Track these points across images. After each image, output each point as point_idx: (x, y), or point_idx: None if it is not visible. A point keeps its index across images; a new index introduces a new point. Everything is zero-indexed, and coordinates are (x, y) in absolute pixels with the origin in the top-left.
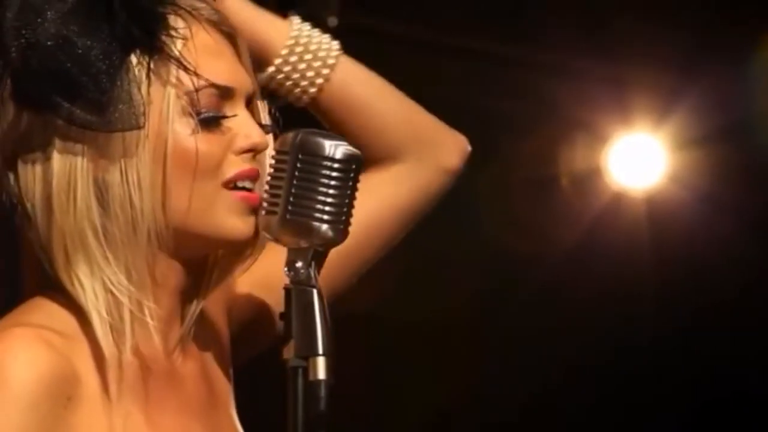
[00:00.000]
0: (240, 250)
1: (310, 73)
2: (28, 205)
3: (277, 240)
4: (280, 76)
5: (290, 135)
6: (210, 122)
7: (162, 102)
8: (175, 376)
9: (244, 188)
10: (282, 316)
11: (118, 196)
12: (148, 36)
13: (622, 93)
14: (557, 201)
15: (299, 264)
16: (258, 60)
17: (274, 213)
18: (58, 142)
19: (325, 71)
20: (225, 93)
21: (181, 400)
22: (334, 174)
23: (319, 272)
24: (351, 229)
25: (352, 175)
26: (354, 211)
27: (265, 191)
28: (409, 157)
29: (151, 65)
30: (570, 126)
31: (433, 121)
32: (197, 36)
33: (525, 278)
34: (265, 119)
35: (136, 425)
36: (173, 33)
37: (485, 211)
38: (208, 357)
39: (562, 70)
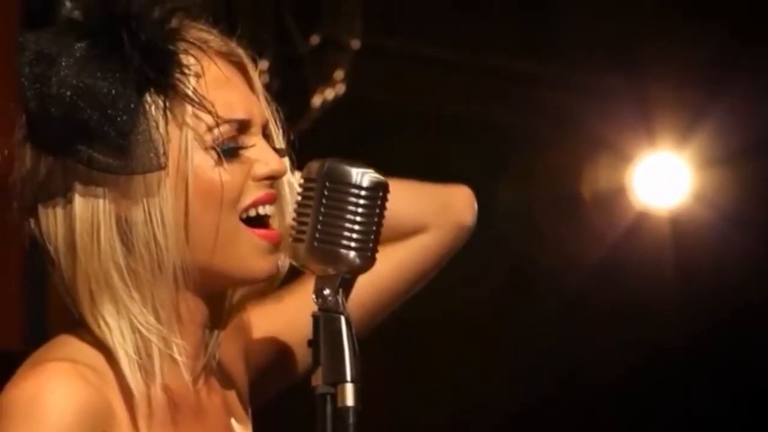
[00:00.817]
0: (260, 283)
1: None
2: (51, 249)
3: (304, 267)
4: None
5: (317, 163)
6: (230, 154)
7: (180, 139)
8: (200, 409)
9: (264, 217)
10: (310, 343)
11: (142, 235)
12: (162, 76)
13: (646, 112)
14: (582, 219)
15: (327, 291)
16: None
17: (301, 240)
18: (78, 186)
19: None
20: (241, 125)
21: None
22: (361, 201)
23: (347, 299)
24: (379, 293)
25: (378, 202)
26: (383, 268)
27: (293, 219)
28: (430, 229)
29: (167, 104)
30: (595, 144)
31: (440, 190)
32: (209, 70)
33: (549, 293)
34: (280, 143)
35: None
36: (186, 71)
37: (512, 226)
38: (229, 394)
39: (587, 89)
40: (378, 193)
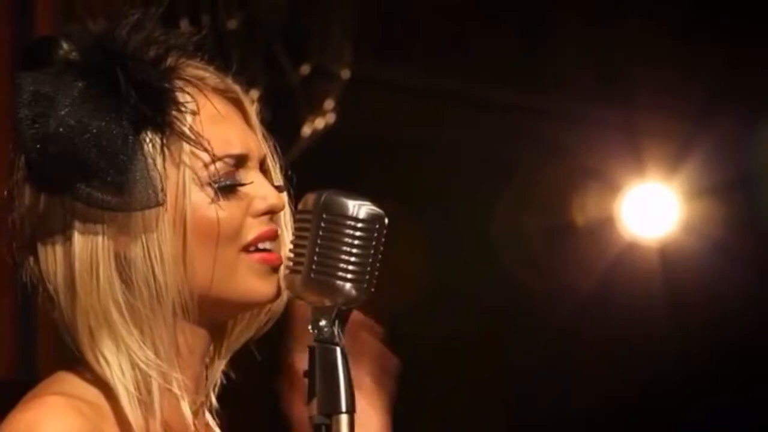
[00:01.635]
0: (259, 308)
1: None
2: (50, 287)
3: (301, 298)
4: None
5: (314, 195)
6: (227, 190)
7: (177, 176)
8: None
9: (264, 249)
10: (305, 373)
11: (141, 271)
12: (158, 114)
13: (635, 142)
14: (572, 249)
15: (323, 322)
16: None
17: (298, 272)
18: (77, 224)
19: None
20: (239, 161)
21: None
22: (358, 234)
23: (343, 330)
24: None
25: (375, 234)
26: None
27: (290, 250)
28: None
29: (164, 142)
30: (584, 174)
31: None
32: (205, 107)
33: (539, 323)
34: (278, 179)
35: None
36: (182, 108)
37: (501, 256)
38: None
39: (577, 120)
40: (375, 225)
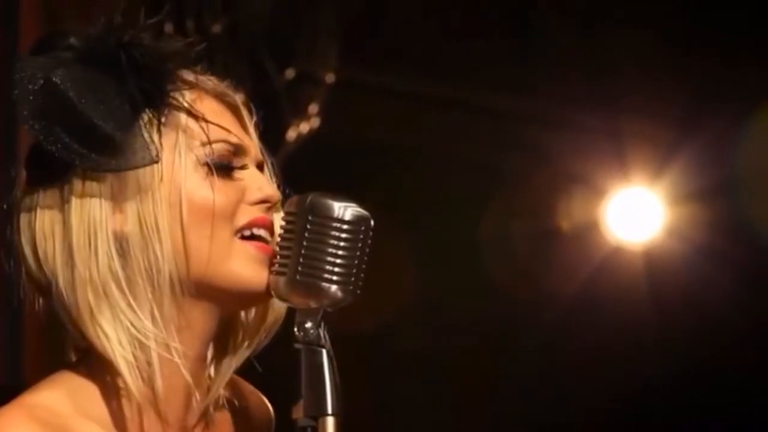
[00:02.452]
0: (254, 302)
1: None
2: (49, 273)
3: (286, 300)
4: None
5: (300, 197)
6: (222, 171)
7: (174, 152)
8: None
9: (259, 237)
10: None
11: (138, 244)
12: (158, 90)
13: (620, 147)
14: (556, 254)
15: (309, 324)
16: None
17: (283, 274)
18: (74, 200)
19: None
20: (236, 149)
21: None
22: (344, 235)
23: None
24: None
25: (361, 236)
26: None
27: (276, 252)
28: None
29: (162, 119)
30: (569, 179)
31: None
32: (204, 100)
33: (524, 327)
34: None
35: None
36: (181, 85)
37: (486, 260)
38: None
39: (561, 125)
40: (360, 227)
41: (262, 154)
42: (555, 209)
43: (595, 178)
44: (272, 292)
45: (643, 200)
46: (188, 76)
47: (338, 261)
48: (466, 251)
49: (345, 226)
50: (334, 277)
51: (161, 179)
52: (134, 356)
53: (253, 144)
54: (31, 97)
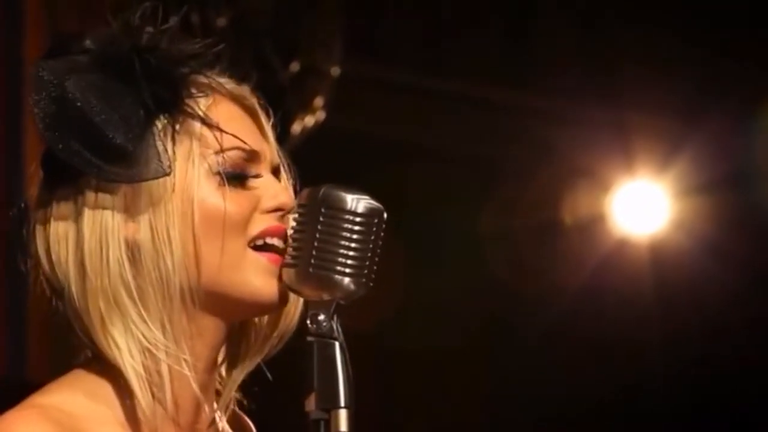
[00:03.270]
0: (264, 312)
1: None
2: (61, 276)
3: (299, 293)
4: None
5: (312, 189)
6: (236, 180)
7: (187, 161)
8: None
9: (272, 246)
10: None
11: (149, 253)
12: (172, 97)
13: (625, 140)
14: (561, 247)
15: (322, 317)
16: None
17: (296, 266)
18: (87, 209)
19: None
20: (250, 156)
21: None
22: (356, 228)
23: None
24: None
25: (374, 228)
26: None
27: (288, 245)
28: None
29: (175, 126)
30: (574, 173)
31: None
32: (220, 104)
33: (529, 320)
34: (290, 194)
35: None
36: (196, 94)
37: (492, 254)
38: None
39: (566, 118)
40: (373, 219)
41: (280, 157)
42: (561, 203)
43: (600, 171)
44: (284, 284)
45: (649, 193)
46: (205, 79)
47: (351, 253)
48: (471, 244)
49: (358, 219)
50: (347, 270)
51: (173, 189)
52: (144, 367)
53: (269, 148)
54: (44, 104)
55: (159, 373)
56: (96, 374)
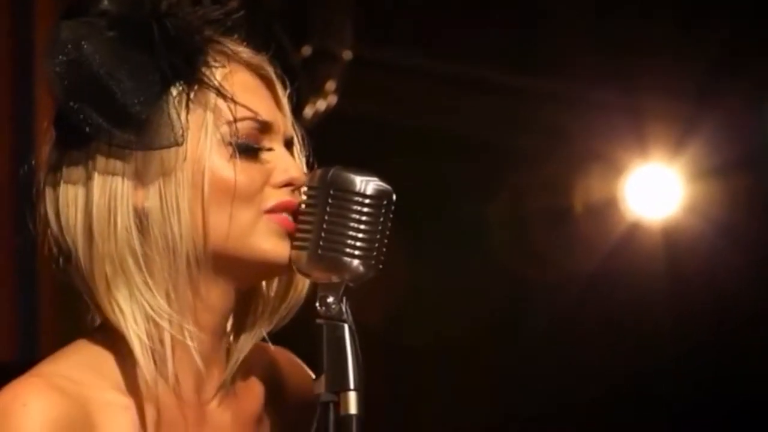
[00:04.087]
0: (273, 274)
1: None
2: (69, 240)
3: (308, 275)
4: None
5: (321, 171)
6: (247, 151)
7: (200, 130)
8: (206, 424)
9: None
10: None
11: (157, 221)
12: (188, 65)
13: (638, 123)
14: (575, 231)
15: (331, 299)
16: None
17: (305, 248)
18: (97, 174)
19: None
20: (264, 127)
21: None
22: (365, 210)
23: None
24: None
25: (383, 210)
26: None
27: (297, 227)
28: None
29: (190, 95)
30: (587, 156)
31: None
32: (237, 74)
33: (542, 305)
34: (303, 167)
35: None
36: (213, 64)
37: (504, 239)
38: (242, 415)
39: (579, 102)
40: (382, 201)
41: (294, 129)
42: (573, 186)
43: (613, 155)
44: (294, 267)
45: (662, 177)
46: (222, 47)
47: (360, 235)
48: (484, 229)
49: (367, 200)
50: (356, 252)
51: (185, 158)
52: (147, 334)
53: (283, 119)
54: (58, 68)
55: (162, 341)
56: (100, 344)
